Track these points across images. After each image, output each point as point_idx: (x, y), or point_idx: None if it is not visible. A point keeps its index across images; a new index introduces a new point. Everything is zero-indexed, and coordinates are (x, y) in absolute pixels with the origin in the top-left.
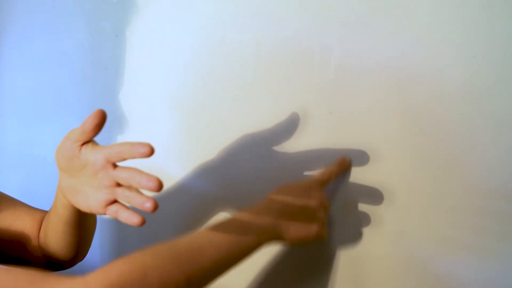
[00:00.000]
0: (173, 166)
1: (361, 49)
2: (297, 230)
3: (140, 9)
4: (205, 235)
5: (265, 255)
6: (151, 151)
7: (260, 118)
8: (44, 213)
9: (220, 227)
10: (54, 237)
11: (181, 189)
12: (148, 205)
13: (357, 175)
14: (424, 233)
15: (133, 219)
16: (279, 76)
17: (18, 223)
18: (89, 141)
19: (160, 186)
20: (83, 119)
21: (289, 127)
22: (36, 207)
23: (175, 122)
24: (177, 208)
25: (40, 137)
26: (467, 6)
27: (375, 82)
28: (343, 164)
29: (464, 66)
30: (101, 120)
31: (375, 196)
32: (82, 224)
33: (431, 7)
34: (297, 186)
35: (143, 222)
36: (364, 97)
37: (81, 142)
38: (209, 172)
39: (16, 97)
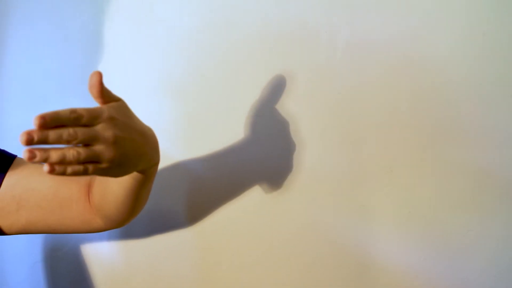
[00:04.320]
0: (175, 151)
1: (369, 28)
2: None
3: None
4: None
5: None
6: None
7: (266, 100)
8: (88, 177)
9: None
10: (114, 202)
11: (181, 171)
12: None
13: (365, 155)
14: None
15: None
16: (286, 57)
17: (64, 189)
18: (108, 100)
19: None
20: (88, 101)
21: (295, 109)
22: None
23: (178, 106)
24: (179, 186)
25: None
26: None
27: (383, 61)
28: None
29: (473, 43)
30: (94, 81)
31: (382, 180)
32: (143, 190)
33: None
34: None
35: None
36: (372, 77)
37: (98, 102)
38: (210, 158)
39: (20, 79)
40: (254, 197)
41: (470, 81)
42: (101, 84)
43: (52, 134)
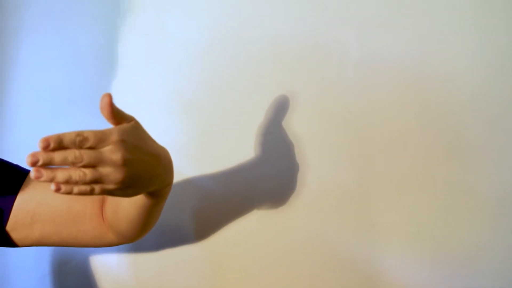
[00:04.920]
0: (185, 167)
1: (379, 47)
2: None
3: (156, 8)
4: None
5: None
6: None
7: (276, 118)
8: None
9: None
10: (126, 219)
11: (191, 186)
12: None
13: (374, 172)
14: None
15: None
16: (297, 75)
17: (78, 204)
18: (120, 121)
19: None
20: (99, 116)
21: (305, 127)
22: None
23: (189, 122)
24: (188, 202)
25: (55, 133)
26: (486, 5)
27: (393, 80)
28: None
29: (484, 65)
30: (103, 103)
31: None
32: (155, 208)
33: (451, 6)
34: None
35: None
36: (382, 95)
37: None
38: (220, 174)
39: (32, 93)
40: (263, 213)
41: (481, 101)
42: (111, 105)
43: (57, 156)
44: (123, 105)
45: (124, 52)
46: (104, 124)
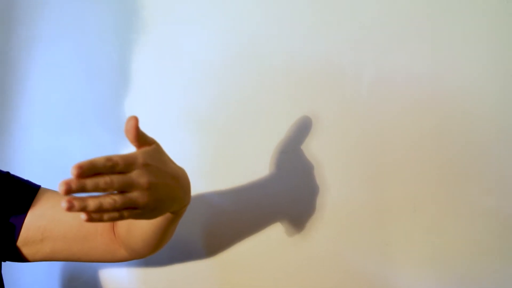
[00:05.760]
0: (198, 184)
1: (393, 66)
2: None
3: (170, 24)
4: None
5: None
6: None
7: (290, 136)
8: None
9: None
10: (141, 236)
11: (203, 203)
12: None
13: (388, 191)
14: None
15: None
16: (311, 94)
17: None
18: (143, 144)
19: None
20: (111, 131)
21: (319, 146)
22: None
23: (202, 139)
24: (199, 218)
25: (67, 148)
26: (499, 23)
27: (408, 99)
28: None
29: (497, 82)
30: (129, 126)
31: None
32: (171, 227)
33: (464, 26)
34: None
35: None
36: (397, 115)
37: (134, 146)
38: (233, 192)
39: (44, 107)
40: (274, 231)
41: (496, 118)
42: (137, 129)
43: (89, 183)
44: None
45: (137, 69)
46: (115, 139)
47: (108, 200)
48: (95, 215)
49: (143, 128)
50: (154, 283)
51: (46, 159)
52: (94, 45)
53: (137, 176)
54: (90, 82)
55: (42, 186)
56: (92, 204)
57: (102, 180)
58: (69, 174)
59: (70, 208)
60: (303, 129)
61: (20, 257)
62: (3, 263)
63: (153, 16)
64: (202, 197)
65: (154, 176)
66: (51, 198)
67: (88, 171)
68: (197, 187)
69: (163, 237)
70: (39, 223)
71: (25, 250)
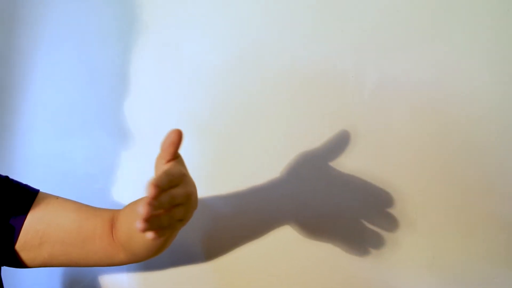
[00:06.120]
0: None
1: (396, 71)
2: None
3: (171, 28)
4: None
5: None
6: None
7: (291, 141)
8: (110, 212)
9: None
10: (143, 240)
11: (204, 208)
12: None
13: (391, 197)
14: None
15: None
16: (313, 98)
17: (88, 224)
18: (174, 158)
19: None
20: (112, 135)
21: (321, 151)
22: None
23: (203, 143)
24: (200, 222)
25: (69, 152)
26: (503, 30)
27: (411, 104)
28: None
29: (502, 88)
30: (176, 138)
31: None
32: (174, 231)
33: (467, 31)
34: None
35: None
36: (399, 120)
37: (165, 160)
38: (233, 196)
39: (46, 111)
40: (275, 237)
41: (500, 125)
42: (179, 144)
43: (164, 200)
44: (135, 124)
45: (138, 72)
46: (116, 143)
47: (177, 213)
48: (158, 232)
49: (144, 131)
50: (155, 287)
51: (47, 163)
52: (95, 49)
53: (186, 188)
54: (91, 86)
55: (42, 190)
56: (165, 221)
57: (166, 196)
58: (70, 177)
59: (144, 230)
60: (304, 133)
61: (19, 262)
62: (2, 268)
63: (154, 20)
64: (202, 201)
65: (191, 187)
66: (50, 202)
67: (162, 189)
68: (197, 191)
69: (165, 242)
70: (37, 227)
71: (24, 255)
